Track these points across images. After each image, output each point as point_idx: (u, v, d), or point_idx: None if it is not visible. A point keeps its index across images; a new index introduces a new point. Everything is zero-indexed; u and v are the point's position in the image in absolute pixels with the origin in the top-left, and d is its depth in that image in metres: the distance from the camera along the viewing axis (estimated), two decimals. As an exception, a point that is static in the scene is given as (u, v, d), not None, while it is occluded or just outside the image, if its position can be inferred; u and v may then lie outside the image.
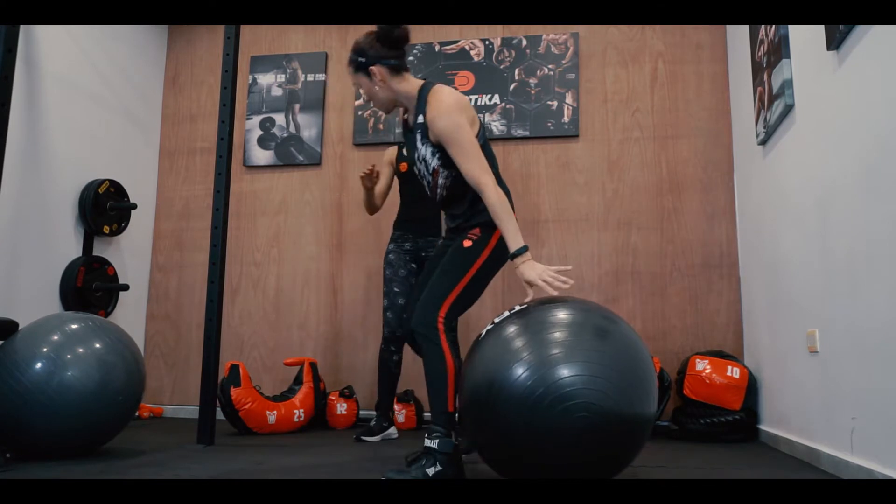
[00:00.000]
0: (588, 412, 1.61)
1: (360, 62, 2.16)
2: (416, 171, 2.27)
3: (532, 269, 1.94)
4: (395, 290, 3.10)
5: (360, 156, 4.04)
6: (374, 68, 2.14)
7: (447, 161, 2.13)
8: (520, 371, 1.65)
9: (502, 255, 2.12)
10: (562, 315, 1.78)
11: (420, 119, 2.13)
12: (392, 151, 3.30)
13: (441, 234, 3.11)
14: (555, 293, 1.90)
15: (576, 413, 1.60)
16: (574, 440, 1.62)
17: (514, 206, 2.30)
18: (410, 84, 2.18)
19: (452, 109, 2.06)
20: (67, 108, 3.55)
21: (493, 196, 2.00)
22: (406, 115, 2.28)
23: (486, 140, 2.21)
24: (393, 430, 3.13)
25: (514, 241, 1.98)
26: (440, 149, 2.12)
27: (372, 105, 2.23)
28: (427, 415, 3.59)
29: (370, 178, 3.07)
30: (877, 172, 1.89)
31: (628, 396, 1.66)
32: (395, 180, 3.35)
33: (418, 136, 2.15)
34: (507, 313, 1.90)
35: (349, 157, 4.06)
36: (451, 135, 2.04)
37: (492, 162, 2.18)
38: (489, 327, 1.90)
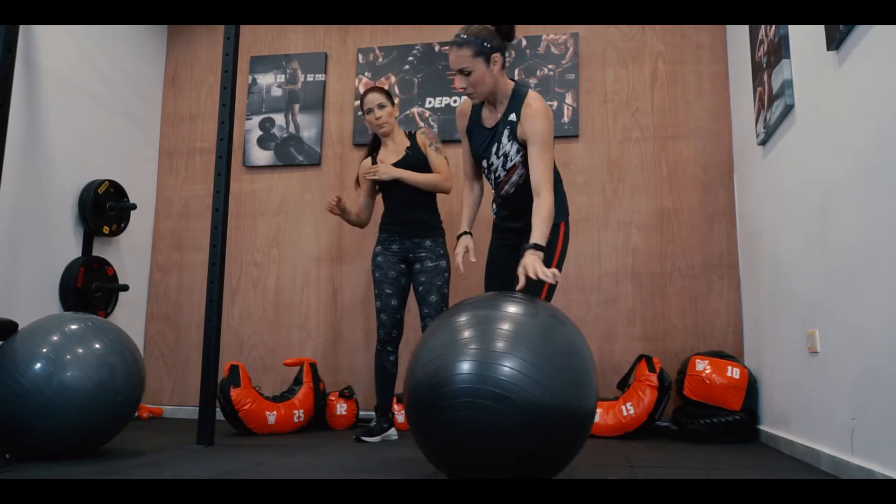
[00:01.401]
0: (528, 408, 1.62)
1: (485, 47, 2.24)
2: (486, 164, 2.40)
3: (535, 262, 2.06)
4: (387, 291, 3.09)
5: (360, 156, 4.03)
6: (496, 56, 2.25)
7: (526, 160, 2.29)
8: (463, 367, 1.67)
9: (567, 243, 2.41)
10: (510, 310, 1.81)
11: (512, 116, 2.28)
12: (365, 163, 3.26)
13: (426, 235, 3.10)
14: (523, 280, 2.04)
15: (516, 409, 1.62)
16: (514, 436, 1.63)
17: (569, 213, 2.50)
18: (507, 82, 2.32)
19: (550, 117, 2.25)
20: (67, 108, 3.55)
21: (547, 202, 2.16)
22: (485, 110, 2.39)
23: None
24: (393, 432, 3.13)
25: (540, 238, 2.13)
26: (522, 149, 2.29)
27: (472, 92, 2.28)
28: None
29: (338, 208, 3.14)
30: (877, 172, 1.89)
31: (568, 394, 1.69)
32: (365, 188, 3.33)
33: (506, 132, 2.30)
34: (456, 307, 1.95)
35: (349, 158, 4.06)
36: (541, 136, 2.20)
37: (557, 177, 2.37)
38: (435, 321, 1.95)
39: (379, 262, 3.13)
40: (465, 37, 2.26)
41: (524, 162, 2.30)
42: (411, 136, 3.18)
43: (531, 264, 2.05)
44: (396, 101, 4.00)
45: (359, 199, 3.32)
